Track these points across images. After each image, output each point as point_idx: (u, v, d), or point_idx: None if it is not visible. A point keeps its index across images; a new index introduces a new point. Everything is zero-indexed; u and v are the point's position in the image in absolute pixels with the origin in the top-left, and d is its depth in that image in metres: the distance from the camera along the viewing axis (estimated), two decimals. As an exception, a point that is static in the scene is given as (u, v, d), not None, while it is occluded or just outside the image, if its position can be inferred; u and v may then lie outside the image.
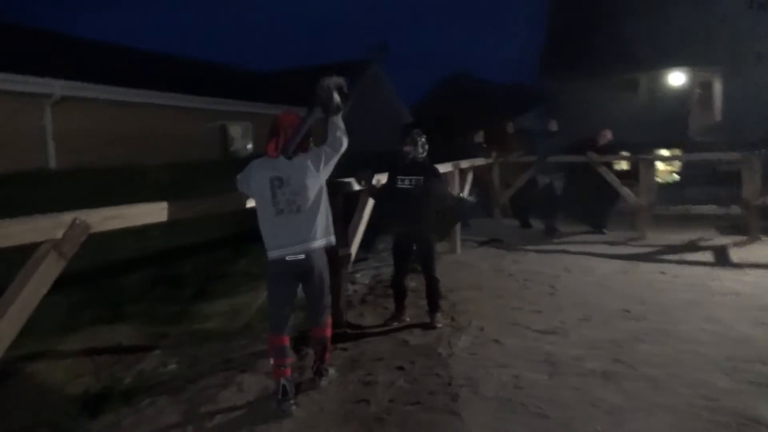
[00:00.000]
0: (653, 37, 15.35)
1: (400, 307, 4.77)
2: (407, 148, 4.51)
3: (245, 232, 6.03)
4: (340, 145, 3.44)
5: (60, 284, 5.33)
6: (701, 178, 11.28)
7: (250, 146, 12.44)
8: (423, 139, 4.63)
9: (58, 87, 8.16)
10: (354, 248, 4.73)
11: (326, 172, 3.39)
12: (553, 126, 8.83)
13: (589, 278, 5.96)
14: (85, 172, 7.92)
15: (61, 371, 4.07)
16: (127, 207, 2.76)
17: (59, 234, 2.34)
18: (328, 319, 3.60)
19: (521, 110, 24.42)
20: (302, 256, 3.25)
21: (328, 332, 3.61)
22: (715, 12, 14.24)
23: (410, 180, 4.42)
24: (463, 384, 3.47)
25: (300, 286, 3.49)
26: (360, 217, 4.76)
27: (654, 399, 3.15)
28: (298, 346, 4.14)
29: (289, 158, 3.23)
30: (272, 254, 3.27)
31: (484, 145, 9.16)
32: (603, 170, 8.09)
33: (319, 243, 3.34)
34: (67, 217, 2.37)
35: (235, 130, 12.39)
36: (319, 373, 3.57)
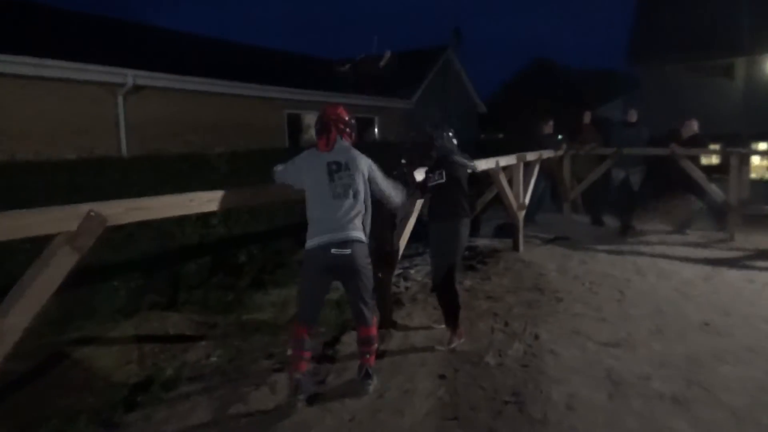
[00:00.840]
0: (752, 19, 13.94)
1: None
2: (438, 142, 4.12)
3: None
4: (389, 198, 3.54)
5: (120, 270, 5.49)
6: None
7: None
8: (449, 133, 4.22)
9: (131, 76, 8.40)
10: (402, 243, 4.49)
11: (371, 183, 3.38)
12: (633, 116, 8.11)
13: (665, 284, 5.41)
14: (154, 160, 8.15)
15: (109, 358, 4.13)
16: (147, 199, 2.65)
17: (74, 226, 2.25)
18: (375, 318, 3.43)
19: (607, 98, 23.15)
20: (348, 251, 3.15)
21: (374, 331, 3.41)
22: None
23: (438, 174, 4.05)
24: (508, 400, 3.16)
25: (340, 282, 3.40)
26: (410, 211, 4.50)
27: (732, 434, 2.73)
28: (333, 347, 3.99)
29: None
30: (314, 242, 3.17)
31: (560, 137, 8.56)
32: (687, 164, 7.36)
33: (363, 237, 3.25)
34: (83, 209, 2.28)
35: (310, 119, 12.41)
36: (367, 375, 3.37)
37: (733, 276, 5.63)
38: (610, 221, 8.41)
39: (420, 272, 6.16)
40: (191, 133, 9.30)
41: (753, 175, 9.12)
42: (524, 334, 4.19)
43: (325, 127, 3.29)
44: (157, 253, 5.92)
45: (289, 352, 3.26)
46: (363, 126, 14.80)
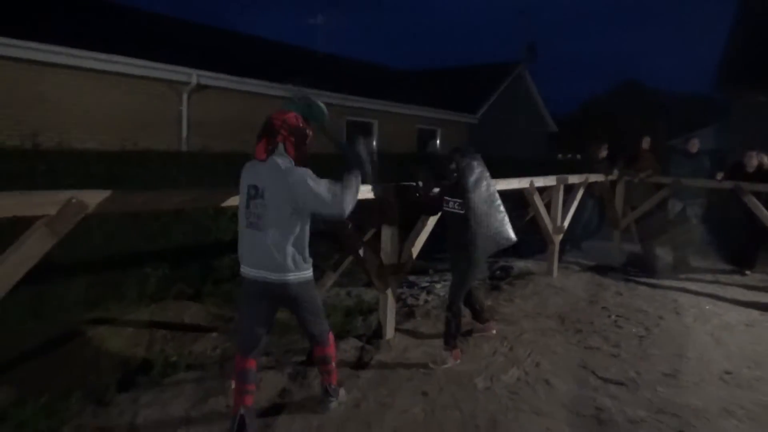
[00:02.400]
0: None
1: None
2: (452, 166, 3.94)
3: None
4: (340, 205, 2.79)
5: (153, 259, 5.78)
6: None
7: (374, 143, 12.57)
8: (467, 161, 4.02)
9: (195, 75, 8.89)
10: (414, 253, 4.45)
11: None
12: (694, 146, 7.62)
13: (700, 326, 5.03)
14: (211, 156, 8.55)
15: (120, 339, 4.35)
16: (127, 192, 2.80)
17: (54, 211, 2.41)
18: (330, 337, 3.17)
19: (697, 126, 21.87)
20: (278, 288, 2.83)
21: (330, 350, 3.17)
22: None
23: (455, 203, 3.97)
24: (481, 426, 3.06)
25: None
26: (422, 226, 4.46)
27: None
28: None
29: None
30: (243, 269, 2.91)
31: (620, 163, 8.20)
32: (751, 200, 6.82)
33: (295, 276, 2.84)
34: (63, 196, 2.44)
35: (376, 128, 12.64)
36: (327, 393, 3.23)
37: (781, 325, 5.15)
38: (664, 254, 7.93)
39: (445, 287, 6.07)
40: (248, 133, 9.62)
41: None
42: (525, 361, 4.03)
43: (262, 132, 2.84)
44: (191, 246, 6.20)
45: (233, 385, 3.00)
46: (425, 137, 14.82)
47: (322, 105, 3.33)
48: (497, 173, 6.86)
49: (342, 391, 3.34)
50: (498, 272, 6.80)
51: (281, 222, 2.74)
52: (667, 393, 3.58)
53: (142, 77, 8.34)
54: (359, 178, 2.97)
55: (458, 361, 3.97)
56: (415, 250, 4.45)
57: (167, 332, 4.59)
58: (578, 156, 23.41)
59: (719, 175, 7.27)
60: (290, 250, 2.77)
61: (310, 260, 2.91)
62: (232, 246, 6.50)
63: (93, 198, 2.55)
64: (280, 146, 2.81)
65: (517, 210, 7.30)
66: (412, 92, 14.99)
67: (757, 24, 17.15)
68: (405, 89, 15.37)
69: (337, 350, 3.38)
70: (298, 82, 7.95)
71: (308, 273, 2.90)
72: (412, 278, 6.40)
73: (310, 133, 2.96)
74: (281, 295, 2.85)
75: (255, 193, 2.76)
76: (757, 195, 6.86)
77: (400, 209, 4.23)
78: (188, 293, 5.65)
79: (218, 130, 9.30)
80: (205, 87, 9.18)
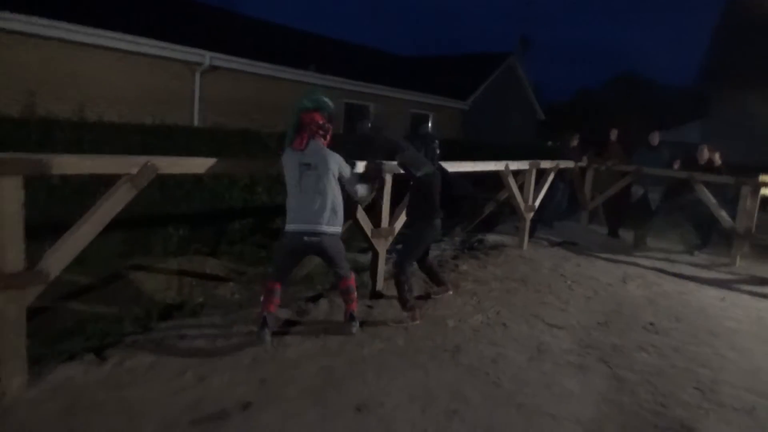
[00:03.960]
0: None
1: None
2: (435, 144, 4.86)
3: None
4: (355, 193, 4.17)
5: (175, 220, 6.62)
6: None
7: (369, 125, 13.35)
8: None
9: (208, 57, 9.64)
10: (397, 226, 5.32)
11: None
12: (655, 139, 8.55)
13: (640, 292, 5.98)
14: (220, 132, 9.34)
15: (155, 283, 5.22)
16: (188, 158, 3.65)
17: (135, 171, 3.26)
18: (351, 274, 4.19)
19: (685, 119, 22.72)
20: (317, 239, 3.83)
21: (352, 283, 4.18)
22: None
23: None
24: (448, 350, 3.98)
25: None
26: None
27: (608, 396, 3.44)
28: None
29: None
30: (290, 227, 3.87)
31: (590, 151, 9.12)
32: (701, 189, 7.76)
33: (331, 229, 3.90)
34: (142, 159, 3.29)
35: (374, 109, 13.40)
36: (351, 318, 4.19)
37: (709, 293, 6.11)
38: (626, 235, 8.88)
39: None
40: (256, 113, 10.47)
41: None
42: (489, 311, 4.96)
43: (300, 129, 3.88)
44: (208, 211, 7.05)
45: (262, 298, 3.99)
46: (418, 121, 15.65)
47: (327, 100, 4.13)
48: (485, 157, 7.74)
49: (357, 323, 4.25)
50: (475, 243, 7.71)
51: (326, 189, 3.81)
52: (597, 335, 4.52)
53: (161, 57, 9.10)
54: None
55: (417, 322, 4.51)
56: (402, 219, 5.33)
57: (193, 279, 5.47)
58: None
59: (676, 164, 8.21)
60: (329, 210, 3.84)
61: (342, 219, 3.98)
62: (242, 213, 7.40)
63: (162, 162, 3.41)
64: (315, 138, 3.89)
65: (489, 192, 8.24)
66: (407, 78, 15.78)
67: (738, 24, 17.98)
68: (400, 75, 16.14)
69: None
70: (311, 68, 8.60)
71: (339, 228, 3.97)
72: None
73: (330, 127, 4.01)
74: (317, 243, 3.85)
75: (307, 168, 3.81)
76: (707, 185, 7.80)
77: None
78: (205, 252, 6.52)
79: (228, 108, 10.08)
80: (217, 68, 9.94)
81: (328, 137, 3.98)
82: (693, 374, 3.86)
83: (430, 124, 15.77)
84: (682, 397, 3.48)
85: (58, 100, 7.73)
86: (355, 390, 3.30)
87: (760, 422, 3.24)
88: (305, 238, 3.83)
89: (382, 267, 5.28)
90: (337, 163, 3.91)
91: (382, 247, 5.20)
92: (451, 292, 5.30)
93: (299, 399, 3.17)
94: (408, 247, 4.78)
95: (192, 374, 3.38)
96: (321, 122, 3.91)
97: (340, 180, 3.98)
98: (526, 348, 4.13)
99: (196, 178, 6.68)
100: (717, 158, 8.09)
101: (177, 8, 12.68)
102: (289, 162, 3.88)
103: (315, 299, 4.98)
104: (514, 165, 6.93)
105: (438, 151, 4.86)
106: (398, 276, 4.58)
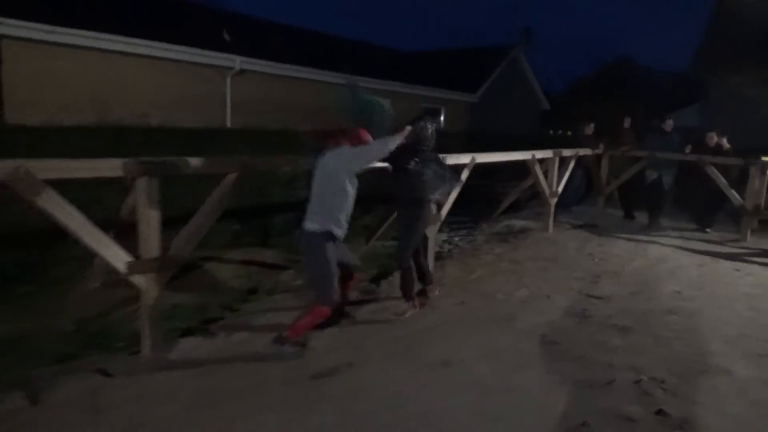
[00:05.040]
0: None
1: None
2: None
3: (375, 194, 7.26)
4: (372, 155, 3.80)
5: (225, 216, 7.15)
6: None
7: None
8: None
9: (238, 61, 10.16)
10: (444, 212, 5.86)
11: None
12: (669, 126, 9.10)
13: (662, 266, 6.53)
14: (252, 132, 9.89)
15: (226, 272, 5.76)
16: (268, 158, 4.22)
17: (237, 170, 3.80)
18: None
19: (682, 104, 23.20)
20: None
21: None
22: None
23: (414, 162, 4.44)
24: (503, 318, 4.54)
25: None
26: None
27: (650, 349, 3.99)
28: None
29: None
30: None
31: (605, 139, 9.64)
32: (712, 171, 8.30)
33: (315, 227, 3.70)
34: (243, 160, 3.84)
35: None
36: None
37: (725, 265, 6.66)
38: (641, 216, 9.43)
39: (463, 238, 7.54)
40: (280, 112, 10.98)
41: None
42: (530, 286, 5.51)
43: (327, 137, 3.92)
44: (254, 206, 7.60)
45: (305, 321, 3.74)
46: (430, 115, 16.18)
47: (374, 99, 4.29)
48: (496, 148, 8.25)
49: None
50: (504, 229, 8.26)
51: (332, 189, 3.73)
52: (631, 303, 5.07)
53: (194, 63, 9.62)
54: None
55: (417, 309, 4.62)
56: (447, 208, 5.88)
57: (257, 268, 6.02)
58: (568, 132, 24.82)
59: (687, 149, 8.75)
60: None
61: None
62: (284, 208, 7.94)
63: (259, 162, 3.96)
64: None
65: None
66: (417, 73, 16.27)
67: (734, 10, 18.42)
68: (410, 71, 16.63)
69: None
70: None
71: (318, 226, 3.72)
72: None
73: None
74: None
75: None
76: (716, 167, 8.35)
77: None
78: (256, 243, 7.06)
79: (255, 109, 10.61)
80: (245, 71, 10.47)
81: (353, 139, 3.86)
82: (719, 331, 4.41)
83: (442, 118, 16.30)
84: (714, 348, 4.04)
85: (102, 106, 8.27)
86: (436, 350, 3.85)
87: (782, 366, 3.80)
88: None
89: (431, 250, 5.83)
90: (344, 160, 3.71)
91: (430, 231, 5.73)
92: (437, 292, 5.10)
93: (390, 359, 3.72)
94: (406, 236, 4.55)
95: (292, 342, 3.93)
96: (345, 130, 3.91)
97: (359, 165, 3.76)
98: (572, 314, 4.68)
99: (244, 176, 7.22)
100: (725, 142, 8.64)
101: (206, 16, 13.20)
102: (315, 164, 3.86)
103: (376, 280, 5.54)
104: (539, 154, 7.47)
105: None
106: (402, 266, 4.55)
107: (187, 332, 4.10)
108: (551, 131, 27.67)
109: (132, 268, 3.35)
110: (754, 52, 16.67)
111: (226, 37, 10.87)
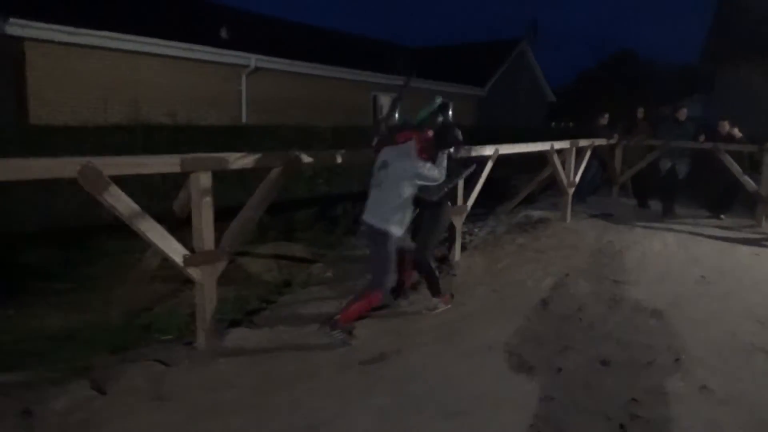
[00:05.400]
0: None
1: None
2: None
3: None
4: (433, 178, 3.92)
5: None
6: None
7: (396, 116, 13.99)
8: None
9: (253, 60, 10.26)
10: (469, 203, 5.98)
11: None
12: (683, 115, 9.20)
13: (683, 252, 6.64)
14: (268, 129, 9.98)
15: (258, 266, 5.88)
16: (318, 152, 4.31)
17: (281, 164, 3.92)
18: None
19: (686, 94, 23.28)
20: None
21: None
22: None
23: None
24: (537, 303, 4.66)
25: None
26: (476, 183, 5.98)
27: (685, 330, 4.11)
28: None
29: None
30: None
31: (619, 129, 9.75)
32: (726, 158, 8.40)
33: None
34: (290, 154, 3.95)
35: (385, 100, 14.03)
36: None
37: (743, 250, 6.78)
38: (655, 205, 9.53)
39: (486, 229, 7.66)
40: (294, 109, 11.10)
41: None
42: (557, 274, 5.62)
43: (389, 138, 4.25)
44: (278, 201, 7.70)
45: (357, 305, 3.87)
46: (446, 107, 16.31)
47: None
48: (504, 141, 8.34)
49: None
50: (523, 219, 8.38)
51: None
52: (659, 288, 5.19)
53: (212, 62, 9.72)
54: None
55: (449, 305, 4.59)
56: (473, 199, 6.00)
57: (287, 262, 6.13)
58: (570, 124, 24.94)
59: (701, 138, 8.84)
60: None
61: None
62: (307, 203, 8.06)
63: (305, 157, 4.07)
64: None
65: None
66: (427, 68, 16.34)
67: (741, 3, 18.44)
68: (420, 66, 16.71)
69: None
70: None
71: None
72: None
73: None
74: None
75: (382, 165, 4.01)
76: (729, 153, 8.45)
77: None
78: (282, 238, 7.18)
79: (270, 106, 10.72)
80: (260, 69, 10.56)
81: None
82: (749, 312, 4.52)
83: (450, 113, 16.36)
84: (746, 327, 4.16)
85: (126, 103, 8.39)
86: (477, 336, 3.98)
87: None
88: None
89: (459, 239, 5.96)
90: (408, 165, 3.89)
91: (458, 222, 5.86)
92: (449, 306, 4.75)
93: (435, 344, 3.85)
94: (426, 234, 4.49)
95: (341, 329, 4.05)
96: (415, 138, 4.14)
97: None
98: (603, 299, 4.80)
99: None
100: (736, 131, 8.75)
101: (221, 15, 13.29)
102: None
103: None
104: (557, 145, 7.57)
105: None
106: (424, 266, 4.49)
107: (234, 323, 4.22)
108: (552, 123, 27.77)
109: (189, 261, 3.46)
110: (761, 42, 16.70)
111: (224, 35, 10.92)
